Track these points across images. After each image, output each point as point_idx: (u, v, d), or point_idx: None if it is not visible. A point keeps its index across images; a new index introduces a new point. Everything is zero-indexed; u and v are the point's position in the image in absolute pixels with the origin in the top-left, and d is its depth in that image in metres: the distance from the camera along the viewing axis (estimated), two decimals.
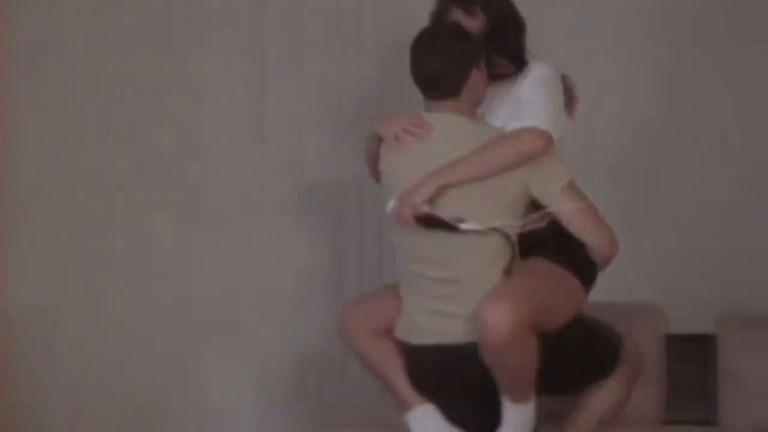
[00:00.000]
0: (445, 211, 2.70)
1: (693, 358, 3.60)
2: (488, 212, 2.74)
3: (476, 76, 2.82)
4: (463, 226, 2.69)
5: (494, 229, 2.72)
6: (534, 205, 2.83)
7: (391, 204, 2.75)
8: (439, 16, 2.98)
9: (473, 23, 2.91)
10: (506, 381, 2.75)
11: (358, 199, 3.92)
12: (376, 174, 2.96)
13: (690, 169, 3.90)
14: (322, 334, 3.87)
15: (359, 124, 3.62)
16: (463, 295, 2.76)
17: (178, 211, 3.96)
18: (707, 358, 3.62)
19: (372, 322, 2.91)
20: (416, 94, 2.87)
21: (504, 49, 2.93)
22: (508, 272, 2.77)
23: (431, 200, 2.71)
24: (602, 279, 2.95)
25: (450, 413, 2.90)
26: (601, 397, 2.92)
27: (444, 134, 2.80)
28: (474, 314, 2.68)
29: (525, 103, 2.84)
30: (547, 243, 2.84)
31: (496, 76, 2.91)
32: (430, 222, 2.70)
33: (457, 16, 2.92)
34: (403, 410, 2.94)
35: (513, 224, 2.76)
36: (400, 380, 2.91)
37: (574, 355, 2.85)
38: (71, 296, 3.93)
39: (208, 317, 3.94)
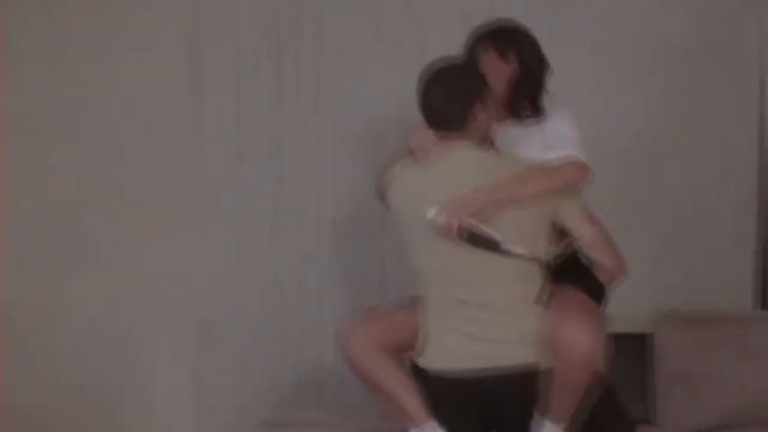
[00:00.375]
0: (487, 229, 2.70)
1: (631, 358, 3.59)
2: (524, 238, 2.77)
3: (481, 112, 2.85)
4: (506, 246, 2.70)
5: (525, 255, 2.75)
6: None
7: (432, 211, 2.71)
8: (471, 54, 3.01)
9: (506, 68, 2.99)
10: (565, 399, 2.78)
11: None
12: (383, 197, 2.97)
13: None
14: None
15: None
16: (494, 318, 2.79)
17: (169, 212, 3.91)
18: (645, 357, 3.62)
19: (376, 339, 2.86)
20: None
21: (531, 93, 3.01)
22: (542, 298, 2.81)
23: (476, 215, 2.71)
24: None
25: None
26: None
27: (464, 160, 2.83)
28: (553, 335, 2.73)
29: (562, 137, 2.93)
30: (565, 269, 2.90)
31: (519, 116, 3.01)
32: (472, 236, 2.69)
33: (491, 58, 2.98)
34: (409, 427, 2.88)
35: (551, 251, 2.82)
36: (409, 396, 2.86)
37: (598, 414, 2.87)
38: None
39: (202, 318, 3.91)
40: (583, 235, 2.87)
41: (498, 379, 2.79)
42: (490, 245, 2.70)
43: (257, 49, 3.87)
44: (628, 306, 3.61)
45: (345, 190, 3.87)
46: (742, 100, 3.87)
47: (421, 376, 2.88)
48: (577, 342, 2.71)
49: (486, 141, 2.91)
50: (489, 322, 2.80)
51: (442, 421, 2.86)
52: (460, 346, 2.82)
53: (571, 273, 2.91)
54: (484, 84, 2.88)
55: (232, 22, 3.87)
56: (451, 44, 3.06)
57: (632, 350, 3.59)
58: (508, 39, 3.01)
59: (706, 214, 3.86)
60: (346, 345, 2.87)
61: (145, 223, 3.90)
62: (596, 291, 2.94)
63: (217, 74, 3.88)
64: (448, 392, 2.85)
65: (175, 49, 3.88)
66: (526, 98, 3.01)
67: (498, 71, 2.97)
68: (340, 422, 3.44)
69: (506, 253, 2.71)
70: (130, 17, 3.89)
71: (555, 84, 3.05)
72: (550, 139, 2.94)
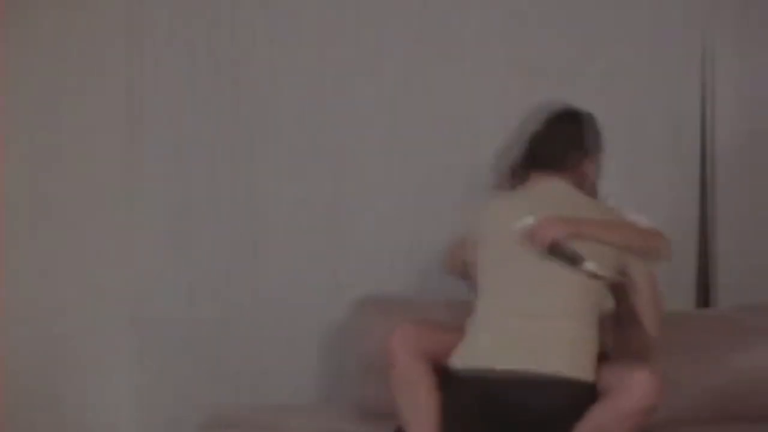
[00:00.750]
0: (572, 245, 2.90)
1: None
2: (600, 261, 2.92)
3: (589, 165, 3.09)
4: (587, 265, 2.88)
5: (605, 277, 2.91)
6: None
7: (530, 219, 2.91)
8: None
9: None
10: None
11: None
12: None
13: None
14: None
15: None
16: (539, 326, 2.85)
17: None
18: None
19: (421, 342, 2.93)
20: None
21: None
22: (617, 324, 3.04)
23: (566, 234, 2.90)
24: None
25: None
26: None
27: (556, 189, 3.04)
28: (626, 381, 2.76)
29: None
30: None
31: None
32: (558, 247, 2.88)
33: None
34: None
35: (615, 277, 2.97)
36: (425, 411, 2.89)
37: None
38: None
39: None
40: (642, 289, 3.00)
41: (526, 383, 2.79)
42: (573, 259, 2.88)
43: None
44: None
45: (282, 184, 3.86)
46: (684, 110, 3.91)
47: (447, 385, 2.89)
48: (644, 382, 2.72)
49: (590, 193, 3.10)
50: (532, 329, 2.85)
51: (463, 426, 2.85)
52: (493, 346, 2.86)
53: None
54: (599, 140, 3.10)
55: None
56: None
57: None
58: None
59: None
60: (391, 338, 2.94)
61: (87, 220, 3.83)
62: None
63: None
64: (472, 393, 2.85)
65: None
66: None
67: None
68: (281, 422, 3.41)
69: (584, 270, 2.88)
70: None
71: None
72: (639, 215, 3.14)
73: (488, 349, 2.87)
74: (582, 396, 2.81)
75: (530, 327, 2.86)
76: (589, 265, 2.87)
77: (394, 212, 3.86)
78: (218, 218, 3.85)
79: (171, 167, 3.83)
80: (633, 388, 2.73)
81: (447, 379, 2.92)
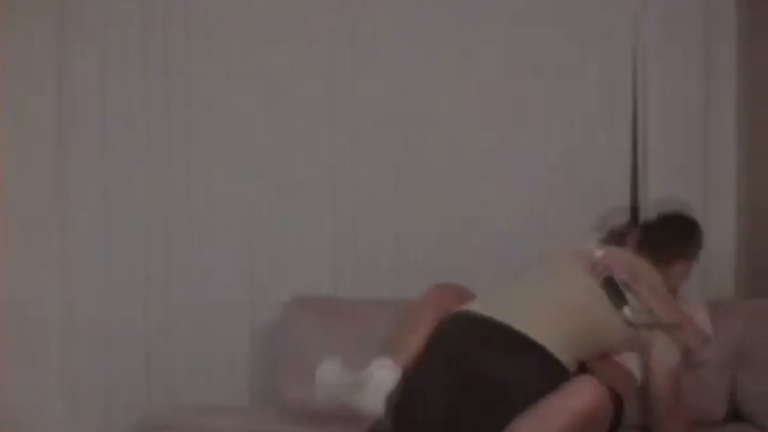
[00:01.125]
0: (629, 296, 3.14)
1: None
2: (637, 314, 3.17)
3: (682, 265, 3.35)
4: (626, 309, 3.12)
5: (636, 326, 3.15)
6: None
7: (601, 252, 3.19)
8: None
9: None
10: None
11: None
12: None
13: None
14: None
15: None
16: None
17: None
18: None
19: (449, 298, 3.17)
20: None
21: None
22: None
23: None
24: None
25: None
26: None
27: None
28: (576, 382, 2.90)
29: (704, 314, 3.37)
30: None
31: None
32: (611, 283, 3.13)
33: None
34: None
35: (646, 331, 3.19)
36: (408, 339, 3.08)
37: None
38: None
39: None
40: (653, 370, 3.21)
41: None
42: (618, 298, 3.12)
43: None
44: None
45: (211, 187, 3.85)
46: (615, 113, 3.94)
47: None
48: (594, 389, 2.85)
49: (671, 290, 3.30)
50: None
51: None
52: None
53: None
54: (699, 249, 3.39)
55: None
56: None
57: None
58: None
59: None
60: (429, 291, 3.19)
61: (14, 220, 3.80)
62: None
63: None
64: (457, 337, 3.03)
65: None
66: None
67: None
68: (214, 423, 3.39)
69: (621, 312, 3.12)
70: None
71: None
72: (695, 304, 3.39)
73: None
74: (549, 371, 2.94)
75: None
76: (627, 311, 3.11)
77: (319, 213, 3.86)
78: (149, 220, 3.83)
79: (98, 169, 3.80)
80: (580, 388, 2.85)
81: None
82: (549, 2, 3.89)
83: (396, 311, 3.32)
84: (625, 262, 3.18)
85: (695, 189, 3.88)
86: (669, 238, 3.36)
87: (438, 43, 3.86)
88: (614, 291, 3.13)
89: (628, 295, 3.12)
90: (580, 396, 2.83)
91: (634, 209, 3.94)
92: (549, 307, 3.08)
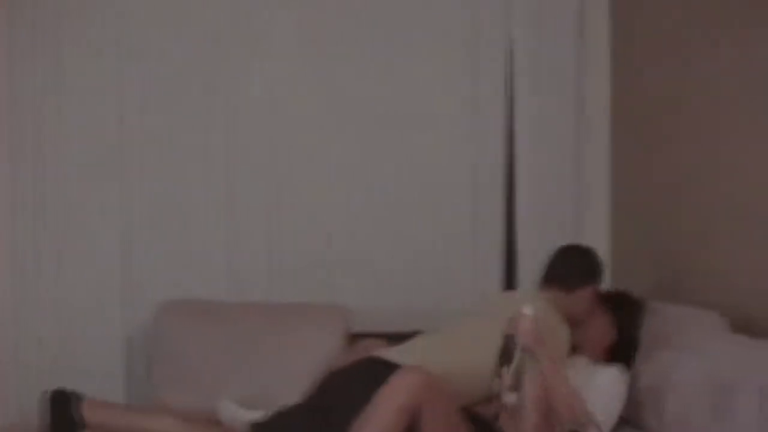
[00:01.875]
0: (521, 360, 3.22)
1: None
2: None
3: (590, 292, 3.51)
4: (504, 371, 3.19)
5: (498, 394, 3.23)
6: None
7: (529, 309, 3.24)
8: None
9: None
10: None
11: None
12: None
13: None
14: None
15: None
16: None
17: None
18: None
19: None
20: None
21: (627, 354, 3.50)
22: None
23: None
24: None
25: None
26: None
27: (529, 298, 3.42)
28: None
29: (604, 391, 3.39)
30: None
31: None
32: (509, 342, 3.21)
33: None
34: None
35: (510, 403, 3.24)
36: None
37: None
38: None
39: None
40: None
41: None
42: (501, 358, 3.20)
43: None
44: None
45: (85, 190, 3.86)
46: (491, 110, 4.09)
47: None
48: (405, 375, 3.00)
49: (573, 321, 3.45)
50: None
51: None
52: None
53: None
54: (599, 273, 3.55)
55: None
56: None
57: None
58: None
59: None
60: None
61: None
62: None
63: None
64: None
65: None
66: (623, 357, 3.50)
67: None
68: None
69: (497, 370, 3.21)
70: None
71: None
72: (598, 382, 3.40)
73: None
74: None
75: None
76: (505, 373, 3.19)
77: (205, 214, 3.92)
78: (22, 221, 3.80)
79: None
80: (394, 378, 2.98)
81: None
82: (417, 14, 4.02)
83: (267, 313, 3.39)
84: (533, 328, 3.23)
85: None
86: (565, 268, 3.52)
87: (304, 56, 3.95)
88: (506, 349, 3.21)
89: (517, 357, 3.20)
90: (392, 383, 2.96)
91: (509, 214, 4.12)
92: (440, 339, 3.31)
